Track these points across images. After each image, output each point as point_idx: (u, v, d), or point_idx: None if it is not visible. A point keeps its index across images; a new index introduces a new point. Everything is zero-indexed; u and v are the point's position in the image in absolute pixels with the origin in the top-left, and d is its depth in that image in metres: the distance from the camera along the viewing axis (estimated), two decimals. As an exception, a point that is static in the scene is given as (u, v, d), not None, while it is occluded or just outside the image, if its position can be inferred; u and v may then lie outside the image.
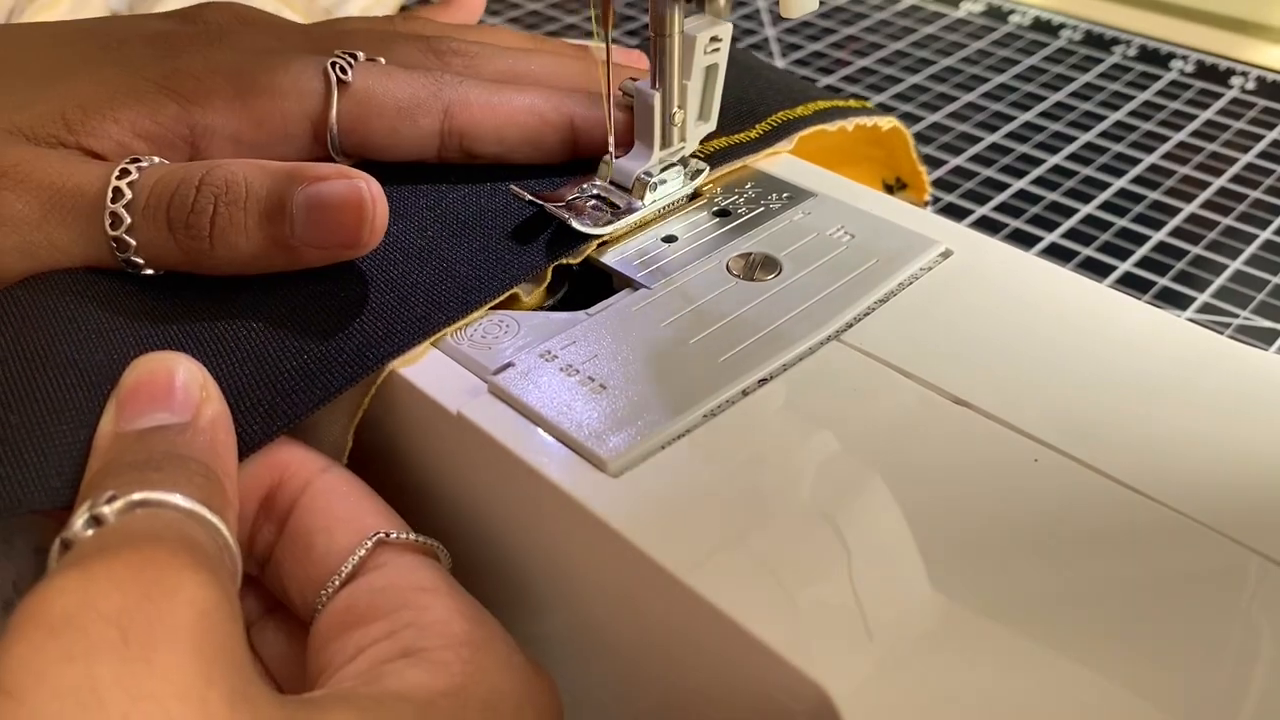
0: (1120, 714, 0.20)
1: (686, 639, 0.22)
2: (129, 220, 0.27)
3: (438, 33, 0.35)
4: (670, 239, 0.31)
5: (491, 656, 0.22)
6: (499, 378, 0.26)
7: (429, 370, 0.26)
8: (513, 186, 0.31)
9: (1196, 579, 0.22)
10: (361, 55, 0.32)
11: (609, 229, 0.30)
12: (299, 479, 0.25)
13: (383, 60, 0.32)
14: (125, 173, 0.28)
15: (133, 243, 0.27)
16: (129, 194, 0.27)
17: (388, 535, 0.24)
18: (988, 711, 0.20)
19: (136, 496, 0.21)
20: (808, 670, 0.19)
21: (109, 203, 0.27)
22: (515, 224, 0.30)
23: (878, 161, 0.40)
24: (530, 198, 0.30)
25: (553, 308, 0.30)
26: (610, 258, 0.30)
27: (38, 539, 0.26)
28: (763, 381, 0.26)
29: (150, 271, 0.28)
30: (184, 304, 0.28)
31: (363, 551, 0.24)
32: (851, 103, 0.37)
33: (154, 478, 0.22)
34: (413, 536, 0.24)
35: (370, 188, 0.27)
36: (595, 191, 0.31)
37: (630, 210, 0.31)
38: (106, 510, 0.20)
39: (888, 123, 0.37)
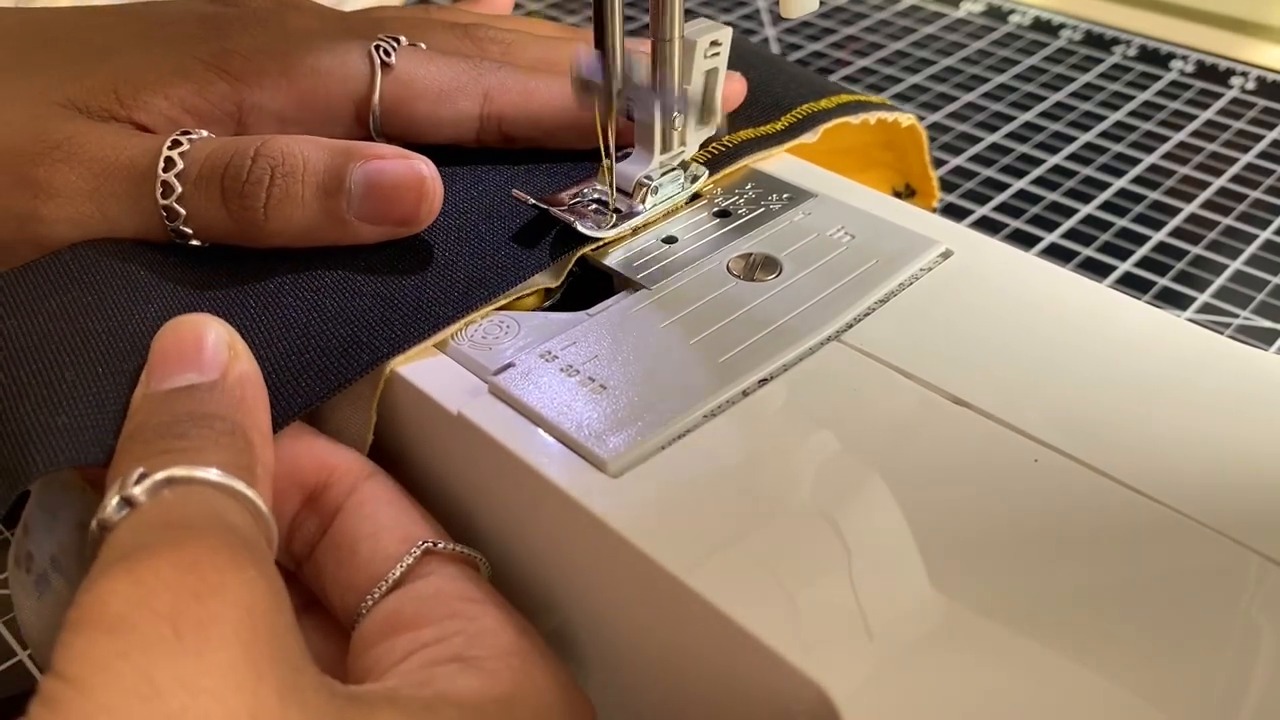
0: (1120, 714, 0.20)
1: (686, 639, 0.22)
2: (180, 189, 0.28)
3: (474, 21, 0.36)
4: (671, 240, 0.31)
5: (539, 669, 0.22)
6: (499, 378, 0.26)
7: (429, 370, 0.26)
8: (515, 192, 0.31)
9: (1196, 579, 0.22)
10: (404, 40, 0.33)
11: (612, 232, 0.30)
12: (345, 483, 0.25)
13: (423, 46, 0.33)
14: (177, 144, 0.28)
15: (183, 212, 0.28)
16: (181, 163, 0.28)
17: (434, 545, 0.24)
18: (988, 711, 0.20)
19: (161, 475, 0.21)
20: (808, 670, 0.19)
21: (160, 171, 0.28)
22: (528, 220, 0.30)
23: (888, 166, 0.40)
24: (534, 202, 0.30)
25: (553, 308, 0.30)
26: (611, 259, 0.30)
27: (82, 514, 0.26)
28: (763, 382, 0.26)
29: (197, 242, 0.29)
30: (230, 271, 0.28)
31: (410, 560, 0.24)
32: (873, 99, 0.38)
33: (179, 446, 0.22)
34: (457, 547, 0.25)
35: (429, 169, 0.28)
36: (596, 195, 0.31)
37: (631, 214, 0.31)
38: (137, 491, 0.21)
39: (907, 119, 0.37)
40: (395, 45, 0.32)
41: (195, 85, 0.30)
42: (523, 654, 0.22)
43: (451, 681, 0.21)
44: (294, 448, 0.25)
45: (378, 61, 0.32)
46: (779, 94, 0.36)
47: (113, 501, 0.21)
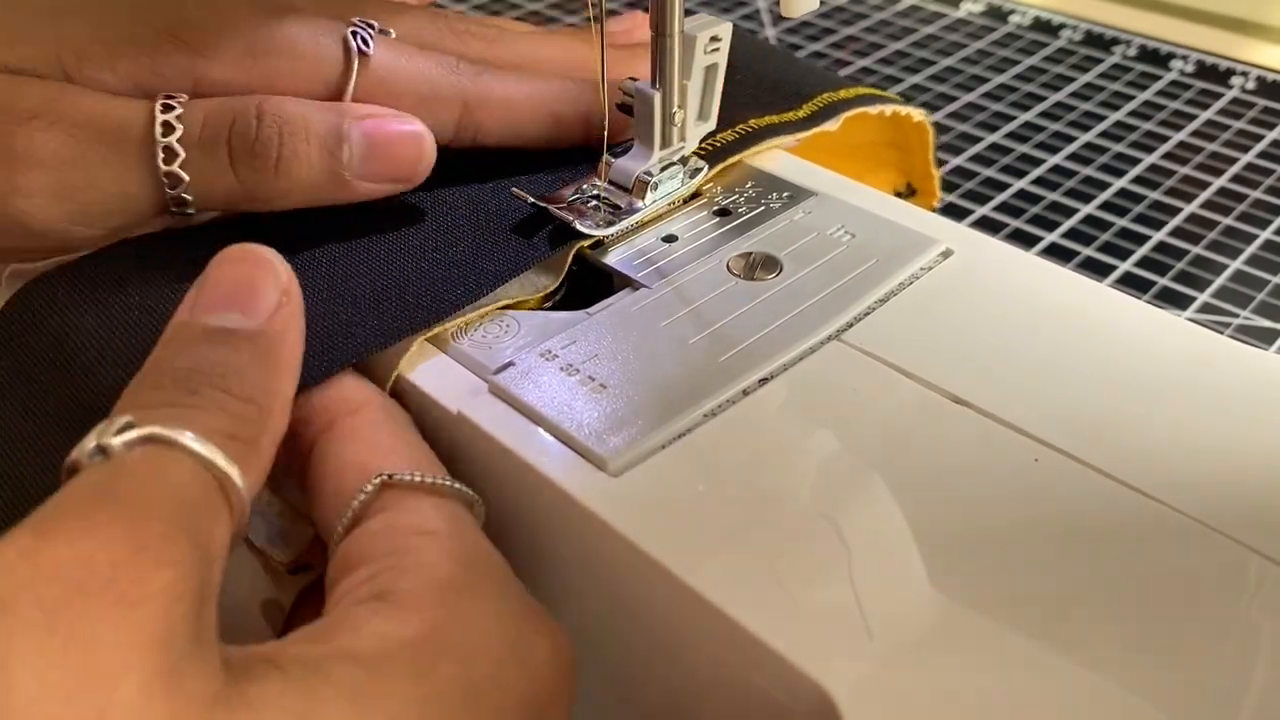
0: (1120, 713, 0.20)
1: (686, 638, 0.22)
2: (183, 155, 0.27)
3: (454, 13, 0.35)
4: (670, 238, 0.31)
5: (476, 604, 0.21)
6: (499, 377, 0.26)
7: (429, 370, 0.26)
8: (515, 190, 0.31)
9: (1197, 579, 0.22)
10: (378, 26, 0.31)
11: (612, 230, 0.30)
12: (321, 420, 0.24)
13: (393, 33, 0.31)
14: (169, 106, 0.27)
15: (185, 178, 0.27)
16: (180, 127, 0.27)
17: (391, 476, 0.22)
18: (988, 711, 0.20)
19: (142, 432, 0.20)
20: (808, 670, 0.19)
21: (159, 137, 0.27)
22: (526, 219, 0.30)
23: (893, 167, 0.41)
24: (533, 200, 0.30)
25: (553, 308, 0.30)
26: (610, 257, 0.30)
27: None
28: (763, 381, 0.26)
29: (193, 211, 0.28)
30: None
31: (363, 495, 0.22)
32: (885, 94, 0.38)
33: (187, 402, 0.21)
34: (427, 478, 0.23)
35: (423, 125, 0.28)
36: (595, 192, 0.31)
37: (631, 211, 0.31)
38: (115, 441, 0.19)
39: (919, 113, 0.38)
40: (372, 32, 0.30)
41: (148, 58, 0.28)
42: (457, 587, 0.20)
43: (356, 631, 0.20)
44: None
45: (354, 49, 0.29)
46: (798, 83, 0.37)
47: (90, 445, 0.20)
